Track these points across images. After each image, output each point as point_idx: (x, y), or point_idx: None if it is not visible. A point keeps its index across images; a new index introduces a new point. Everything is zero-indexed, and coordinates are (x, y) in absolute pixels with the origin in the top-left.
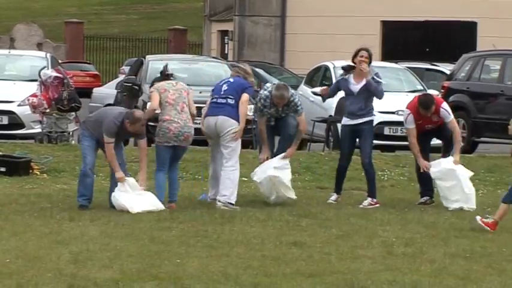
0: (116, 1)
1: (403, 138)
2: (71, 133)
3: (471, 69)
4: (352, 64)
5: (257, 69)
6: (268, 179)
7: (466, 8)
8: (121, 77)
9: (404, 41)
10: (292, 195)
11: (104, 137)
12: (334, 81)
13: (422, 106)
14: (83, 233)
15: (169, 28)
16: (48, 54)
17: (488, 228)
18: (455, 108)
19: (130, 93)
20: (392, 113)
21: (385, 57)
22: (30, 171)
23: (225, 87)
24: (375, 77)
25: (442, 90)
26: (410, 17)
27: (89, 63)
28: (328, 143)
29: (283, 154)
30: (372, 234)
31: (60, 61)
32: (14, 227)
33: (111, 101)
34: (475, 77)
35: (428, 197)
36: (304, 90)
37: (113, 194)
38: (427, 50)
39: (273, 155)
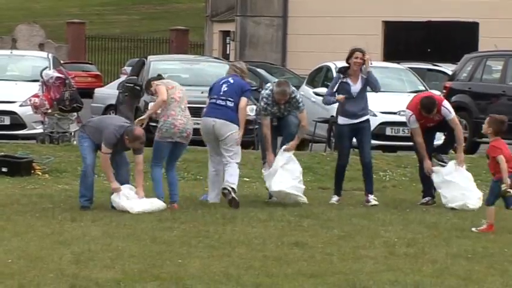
0: (118, 1)
1: (405, 138)
2: (72, 133)
3: (473, 69)
4: (347, 65)
5: (259, 70)
6: (284, 195)
7: (467, 8)
8: (123, 78)
9: (406, 41)
10: (304, 199)
11: (102, 147)
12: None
13: (425, 110)
14: (85, 233)
15: (171, 28)
16: (50, 55)
17: (488, 231)
18: (457, 108)
19: (132, 94)
20: (394, 113)
21: (387, 57)
22: (32, 171)
23: (224, 87)
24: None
25: (444, 91)
26: (412, 17)
27: (91, 64)
28: (329, 144)
29: (285, 146)
30: (374, 235)
31: (62, 61)
32: (16, 228)
33: (113, 102)
34: (476, 77)
35: (430, 197)
36: (306, 90)
37: (111, 197)
38: (429, 50)
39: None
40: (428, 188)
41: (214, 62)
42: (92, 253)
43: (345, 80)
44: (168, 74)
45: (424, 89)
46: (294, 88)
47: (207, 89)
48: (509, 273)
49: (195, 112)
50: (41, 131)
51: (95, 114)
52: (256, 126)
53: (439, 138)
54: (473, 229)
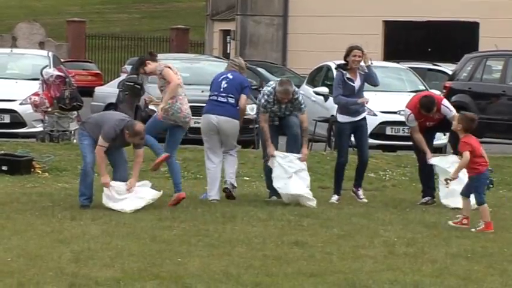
0: (118, 0)
1: (405, 138)
2: (72, 132)
3: (473, 69)
4: (345, 62)
5: (259, 69)
6: (290, 196)
7: (468, 8)
8: (123, 76)
9: (406, 41)
10: (313, 203)
11: (99, 140)
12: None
13: (425, 109)
14: (84, 232)
15: (171, 27)
16: (50, 53)
17: (487, 230)
18: (457, 108)
19: (132, 92)
20: (394, 112)
21: (387, 57)
22: (32, 170)
23: (224, 84)
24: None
25: (444, 90)
26: (412, 17)
27: (91, 62)
28: (330, 143)
29: (299, 156)
30: (374, 234)
31: (62, 60)
32: (16, 226)
33: (113, 100)
34: (476, 77)
35: (430, 197)
36: (306, 90)
37: (103, 199)
38: (429, 50)
39: None
40: (428, 187)
41: (214, 61)
42: (91, 252)
43: (348, 76)
44: None
45: (424, 88)
46: (296, 89)
47: (207, 88)
48: (508, 272)
49: (196, 111)
50: (41, 129)
51: (95, 112)
52: (256, 126)
53: (439, 138)
54: (472, 229)
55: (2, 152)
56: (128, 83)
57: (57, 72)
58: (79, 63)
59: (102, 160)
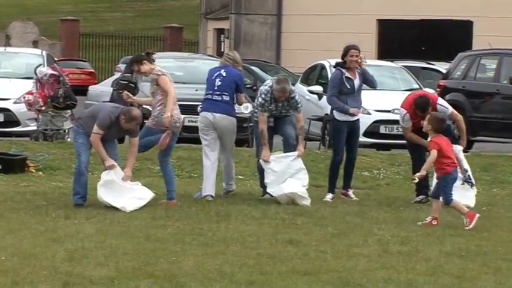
0: None
1: (399, 136)
2: (66, 131)
3: (467, 68)
4: (342, 61)
5: (253, 68)
6: (285, 196)
7: (461, 6)
8: (117, 75)
9: (400, 39)
10: (307, 202)
11: (94, 127)
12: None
13: (420, 109)
14: (78, 230)
15: (165, 26)
16: (44, 52)
17: (473, 219)
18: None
19: (126, 91)
20: (388, 111)
21: (381, 55)
22: (26, 168)
23: (218, 82)
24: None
25: (438, 89)
26: (406, 15)
27: (85, 61)
28: (324, 142)
29: (296, 153)
30: (368, 233)
31: (55, 59)
32: (10, 225)
33: (107, 99)
34: (470, 75)
35: (424, 196)
36: (300, 88)
37: (98, 187)
38: (423, 48)
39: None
40: (422, 186)
41: (208, 59)
42: (85, 250)
43: (347, 75)
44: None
45: (418, 87)
46: (293, 88)
47: (201, 86)
48: (502, 271)
49: (190, 110)
50: (35, 128)
51: None
52: (251, 124)
53: None
54: (466, 228)
55: None
56: (122, 82)
57: (51, 71)
58: (73, 61)
59: (99, 145)
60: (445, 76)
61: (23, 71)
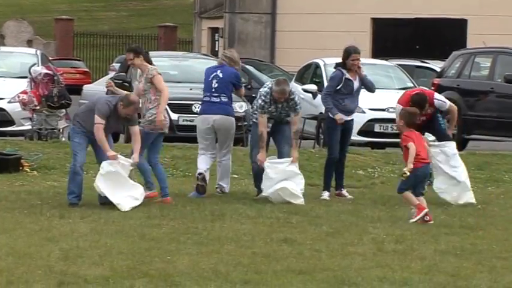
0: None
1: (393, 135)
2: (61, 130)
3: (461, 66)
4: (342, 62)
5: (247, 67)
6: (276, 194)
7: (456, 5)
8: (111, 74)
9: (394, 38)
10: (299, 201)
11: (95, 118)
12: (325, 78)
13: (417, 107)
14: (73, 230)
15: (159, 25)
16: (38, 51)
17: (422, 211)
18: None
19: None
20: (383, 110)
21: (376, 54)
22: (20, 168)
23: (215, 84)
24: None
25: (432, 88)
26: (401, 14)
27: (79, 60)
28: (318, 140)
29: (290, 159)
30: (362, 231)
31: (50, 58)
32: (4, 224)
33: None
34: (465, 74)
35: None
36: (295, 87)
37: (98, 176)
38: (417, 47)
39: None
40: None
41: (202, 58)
42: (80, 250)
43: (347, 77)
44: None
45: (412, 85)
46: (293, 89)
47: (196, 85)
48: (497, 269)
49: (185, 109)
50: (29, 127)
51: None
52: (245, 123)
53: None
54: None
55: None
56: (116, 81)
57: (45, 70)
58: (67, 61)
59: (102, 136)
60: (440, 74)
61: (18, 70)
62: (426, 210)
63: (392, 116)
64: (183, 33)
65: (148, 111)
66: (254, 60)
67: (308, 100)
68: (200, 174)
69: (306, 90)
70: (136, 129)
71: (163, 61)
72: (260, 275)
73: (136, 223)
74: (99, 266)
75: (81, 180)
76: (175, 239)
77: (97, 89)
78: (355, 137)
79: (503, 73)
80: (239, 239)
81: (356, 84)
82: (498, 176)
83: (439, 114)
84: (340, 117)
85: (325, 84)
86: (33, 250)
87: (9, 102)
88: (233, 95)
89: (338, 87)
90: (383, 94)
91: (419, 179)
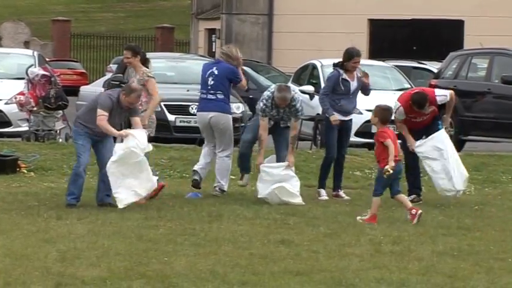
0: None
1: None
2: (58, 131)
3: (458, 67)
4: (341, 63)
5: (244, 68)
6: (274, 194)
7: (453, 6)
8: (108, 75)
9: (391, 39)
10: (298, 200)
11: (98, 111)
12: (322, 79)
13: (417, 106)
14: (70, 231)
15: (156, 26)
16: (36, 52)
17: (371, 223)
18: (442, 106)
19: None
20: None
21: (372, 55)
22: (18, 169)
23: (210, 81)
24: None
25: None
26: (398, 15)
27: (76, 61)
28: (315, 141)
29: (286, 164)
30: (360, 232)
31: (47, 59)
32: (1, 226)
33: None
34: (462, 75)
35: (415, 195)
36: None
37: (109, 163)
38: (414, 48)
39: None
40: (414, 187)
41: (199, 60)
42: (77, 251)
43: (344, 77)
44: (153, 72)
45: (409, 86)
46: (297, 96)
47: (193, 87)
48: (494, 270)
49: (182, 110)
50: (27, 128)
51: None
52: (242, 124)
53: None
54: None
55: None
56: (113, 82)
57: (42, 72)
58: (64, 62)
59: (107, 126)
60: (437, 75)
61: (15, 71)
62: (374, 223)
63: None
64: (180, 35)
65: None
66: (251, 61)
67: (305, 101)
68: (194, 170)
69: (303, 92)
70: (137, 120)
71: (160, 62)
72: (257, 276)
73: (134, 224)
74: (96, 267)
75: (82, 183)
76: (172, 240)
77: (94, 90)
78: (352, 138)
79: (500, 74)
80: (236, 240)
81: (354, 84)
82: (495, 177)
83: (439, 121)
84: (335, 118)
85: (322, 85)
86: (31, 251)
87: (6, 103)
88: (231, 96)
89: (333, 88)
90: (380, 95)
91: (393, 176)
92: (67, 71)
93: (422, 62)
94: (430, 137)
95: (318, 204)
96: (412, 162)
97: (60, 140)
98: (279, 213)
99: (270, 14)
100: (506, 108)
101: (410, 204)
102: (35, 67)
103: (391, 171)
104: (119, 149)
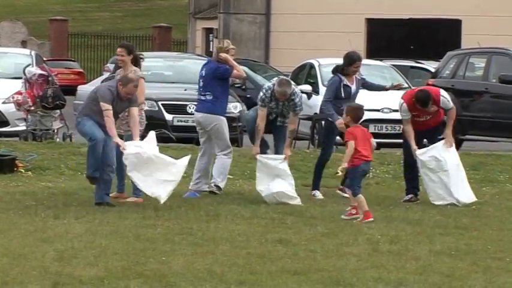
0: None
1: (388, 136)
2: (55, 131)
3: (456, 67)
4: (341, 67)
5: (242, 67)
6: (272, 197)
7: (450, 5)
8: (105, 75)
9: (389, 38)
10: (297, 201)
11: (101, 105)
12: (320, 78)
13: (420, 104)
14: (68, 230)
15: (153, 26)
16: (33, 52)
17: (368, 219)
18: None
19: None
20: (378, 110)
21: (370, 55)
22: (15, 169)
23: (200, 83)
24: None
25: None
26: (395, 14)
27: (74, 61)
28: (313, 141)
29: (283, 156)
30: (357, 232)
31: (44, 58)
32: None
33: None
34: (459, 74)
35: (413, 195)
36: None
37: (127, 169)
38: (412, 47)
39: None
40: (412, 187)
41: (197, 59)
42: (75, 250)
43: (345, 83)
44: (151, 72)
45: (407, 86)
46: (297, 91)
47: (190, 86)
48: (492, 270)
49: (179, 109)
50: (24, 128)
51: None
52: (240, 124)
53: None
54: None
55: None
56: None
57: (39, 71)
58: (61, 61)
59: (111, 123)
60: (434, 75)
61: (12, 71)
62: (371, 219)
63: (387, 116)
64: (177, 34)
65: (125, 114)
66: (248, 60)
67: (303, 101)
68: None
69: (300, 91)
70: (135, 111)
71: (157, 62)
72: (255, 276)
73: (131, 224)
74: (94, 267)
75: (99, 155)
76: (170, 239)
77: (91, 89)
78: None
79: (497, 73)
80: (234, 240)
81: (354, 88)
82: (493, 176)
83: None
84: (340, 122)
85: (320, 84)
86: (28, 251)
87: (3, 102)
88: (230, 96)
89: (335, 94)
90: (377, 95)
91: (360, 175)
92: (64, 71)
93: (420, 61)
94: (431, 146)
95: (316, 204)
96: (411, 161)
97: (58, 140)
98: (277, 212)
99: (267, 14)
100: (503, 107)
101: (356, 204)
102: (33, 66)
103: (340, 173)
104: (125, 160)
